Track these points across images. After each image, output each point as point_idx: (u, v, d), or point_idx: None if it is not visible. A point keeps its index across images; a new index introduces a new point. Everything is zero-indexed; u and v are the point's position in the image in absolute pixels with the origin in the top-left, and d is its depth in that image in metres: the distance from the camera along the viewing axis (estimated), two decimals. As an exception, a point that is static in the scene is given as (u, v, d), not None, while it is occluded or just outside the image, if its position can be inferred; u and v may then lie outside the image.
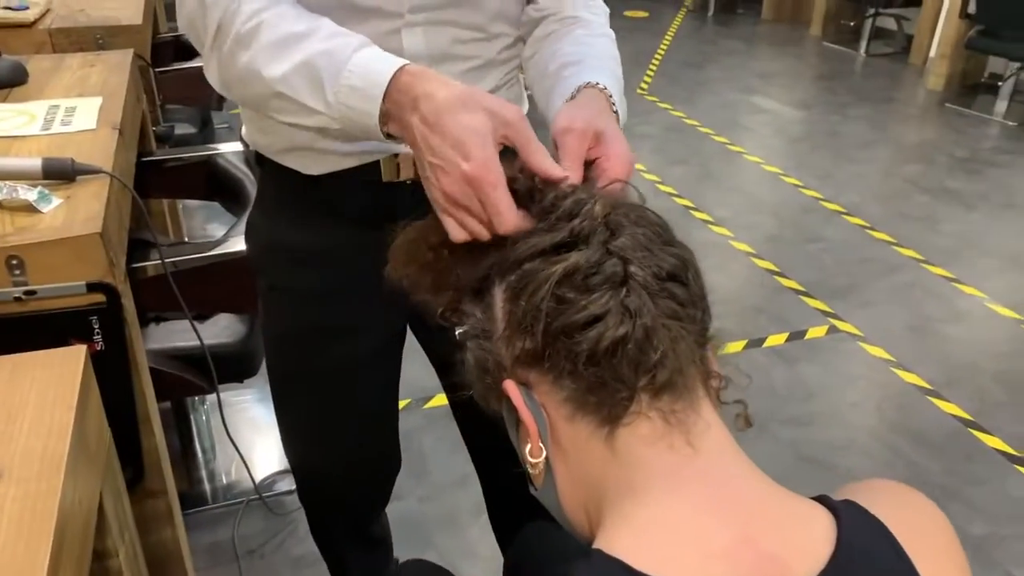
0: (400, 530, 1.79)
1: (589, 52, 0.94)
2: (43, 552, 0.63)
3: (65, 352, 0.89)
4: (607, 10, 1.05)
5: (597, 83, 0.84)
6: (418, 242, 0.68)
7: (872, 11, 5.72)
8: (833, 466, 2.12)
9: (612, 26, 1.04)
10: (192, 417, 2.04)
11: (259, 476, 1.94)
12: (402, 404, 2.28)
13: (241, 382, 1.76)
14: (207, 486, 1.97)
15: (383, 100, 0.71)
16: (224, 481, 1.99)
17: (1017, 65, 4.61)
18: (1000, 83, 4.72)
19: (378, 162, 0.98)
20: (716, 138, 4.34)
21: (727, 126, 4.51)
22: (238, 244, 1.54)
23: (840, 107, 4.83)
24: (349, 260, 1.02)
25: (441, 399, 2.31)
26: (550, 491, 0.59)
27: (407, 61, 0.73)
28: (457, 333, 0.66)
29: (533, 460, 0.57)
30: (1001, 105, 4.66)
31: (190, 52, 2.67)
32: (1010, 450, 2.21)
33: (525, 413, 0.57)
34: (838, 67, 5.70)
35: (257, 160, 1.08)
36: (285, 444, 1.31)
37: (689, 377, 0.54)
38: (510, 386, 0.58)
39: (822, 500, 0.54)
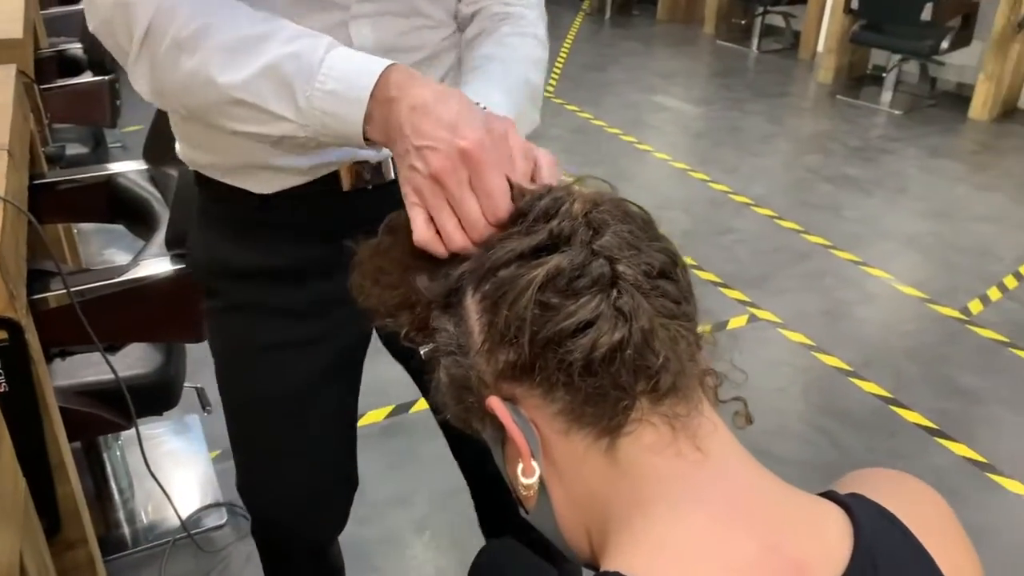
0: (343, 556, 1.71)
1: (498, 55, 0.90)
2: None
3: (-32, 398, 0.80)
4: (540, 3, 1.00)
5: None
6: (381, 256, 0.63)
7: (761, 9, 5.92)
8: (768, 452, 2.15)
9: None
10: (106, 456, 1.90)
11: (184, 513, 1.82)
12: (331, 424, 2.19)
13: (161, 415, 1.65)
14: (127, 528, 1.84)
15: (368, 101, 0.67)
16: (145, 521, 1.86)
17: (899, 57, 4.85)
18: (884, 74, 4.95)
19: (335, 173, 0.93)
20: (624, 137, 4.40)
21: (633, 125, 4.57)
22: (149, 268, 1.44)
23: (738, 103, 4.97)
24: (306, 274, 0.99)
25: (371, 417, 2.24)
26: (545, 513, 0.54)
27: (389, 61, 0.69)
28: (423, 352, 0.61)
29: (526, 481, 0.53)
30: (886, 95, 4.89)
31: (77, 67, 2.51)
32: (929, 423, 2.30)
33: (514, 431, 0.52)
34: (732, 64, 5.87)
35: (197, 180, 1.00)
36: (243, 472, 1.22)
37: (690, 378, 0.51)
38: (495, 403, 0.53)
39: (830, 496, 0.52)
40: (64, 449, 1.23)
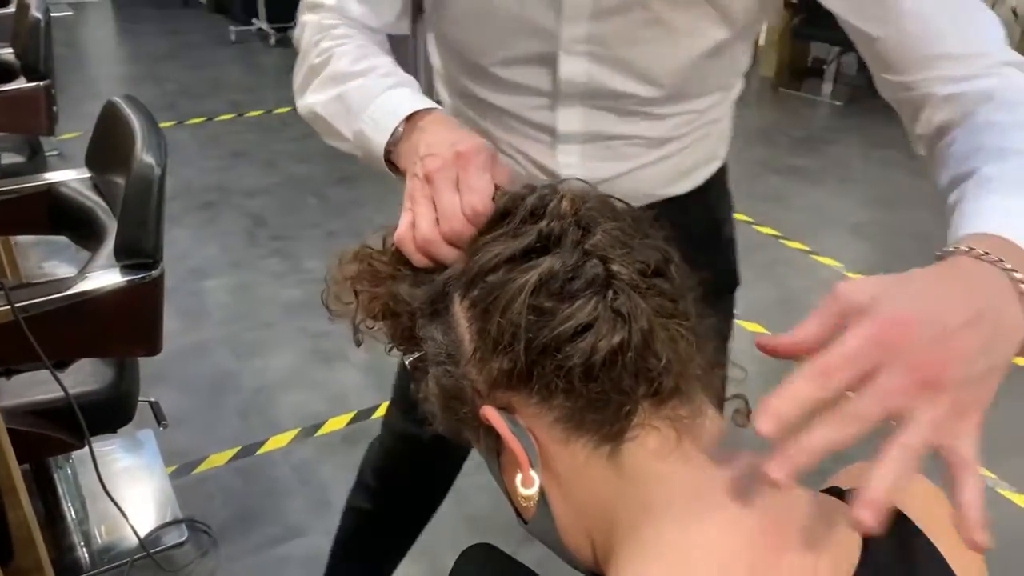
0: (311, 568, 1.67)
1: (996, 153, 0.61)
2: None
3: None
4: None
5: (979, 242, 0.51)
6: (362, 262, 0.60)
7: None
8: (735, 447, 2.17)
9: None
10: (57, 476, 1.83)
11: (142, 531, 1.75)
12: (290, 435, 2.15)
13: (115, 432, 1.58)
14: (82, 551, 1.77)
15: (396, 133, 0.75)
16: (101, 543, 1.79)
17: (838, 49, 4.96)
18: (824, 66, 5.06)
19: None
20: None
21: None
22: (98, 280, 1.38)
23: (685, 97, 5.03)
24: None
25: (332, 425, 2.19)
26: (546, 523, 0.52)
27: (436, 105, 0.76)
28: (407, 361, 0.58)
29: (525, 492, 0.50)
30: (827, 87, 5.00)
31: (9, 73, 2.40)
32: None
33: (512, 441, 0.50)
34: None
35: None
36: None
37: (691, 379, 0.50)
38: (490, 413, 0.50)
39: (833, 492, 0.51)
40: (15, 474, 1.17)
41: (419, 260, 0.59)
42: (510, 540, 0.81)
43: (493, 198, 0.59)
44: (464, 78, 0.94)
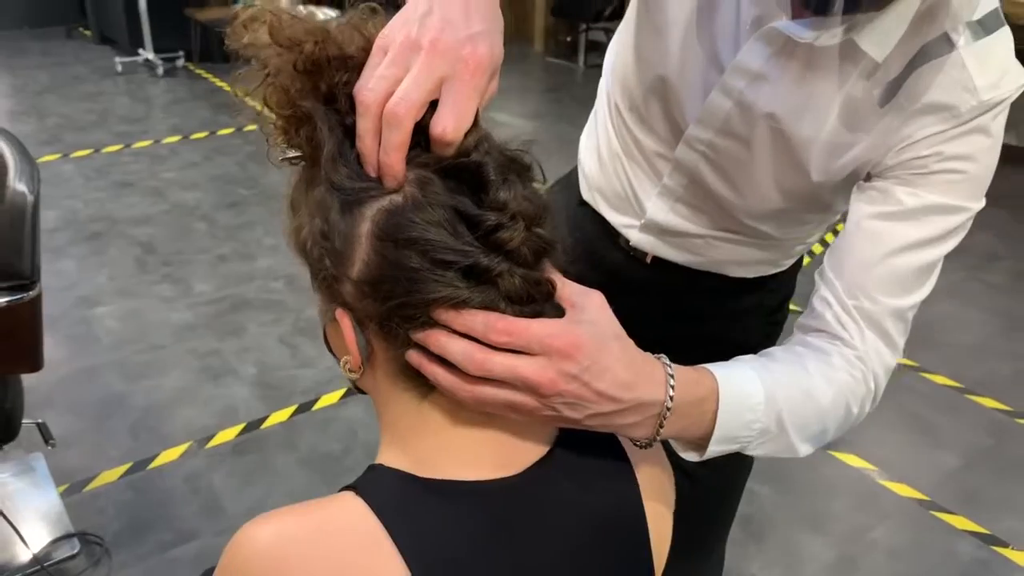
0: (201, 568, 1.77)
1: (782, 368, 0.79)
2: None
3: None
4: (889, 363, 0.84)
5: (689, 372, 0.69)
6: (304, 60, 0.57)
7: (584, 26, 6.32)
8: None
9: None
10: (-58, 502, 1.87)
11: (35, 547, 1.82)
12: (181, 448, 2.24)
13: (0, 448, 1.66)
14: (-28, 571, 1.82)
15: None
16: (-8, 562, 1.85)
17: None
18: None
19: None
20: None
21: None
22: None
23: (568, 117, 5.29)
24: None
25: (222, 437, 2.29)
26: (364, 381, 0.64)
27: None
28: (283, 160, 0.62)
29: (349, 375, 0.62)
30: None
31: None
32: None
33: (352, 346, 0.59)
34: (562, 79, 6.22)
35: None
36: None
37: None
38: (343, 320, 0.59)
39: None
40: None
41: (369, 145, 0.56)
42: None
43: (466, 134, 0.58)
44: (629, 79, 1.01)
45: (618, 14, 6.12)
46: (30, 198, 1.48)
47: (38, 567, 1.78)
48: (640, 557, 0.67)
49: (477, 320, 0.56)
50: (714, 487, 1.17)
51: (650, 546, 0.68)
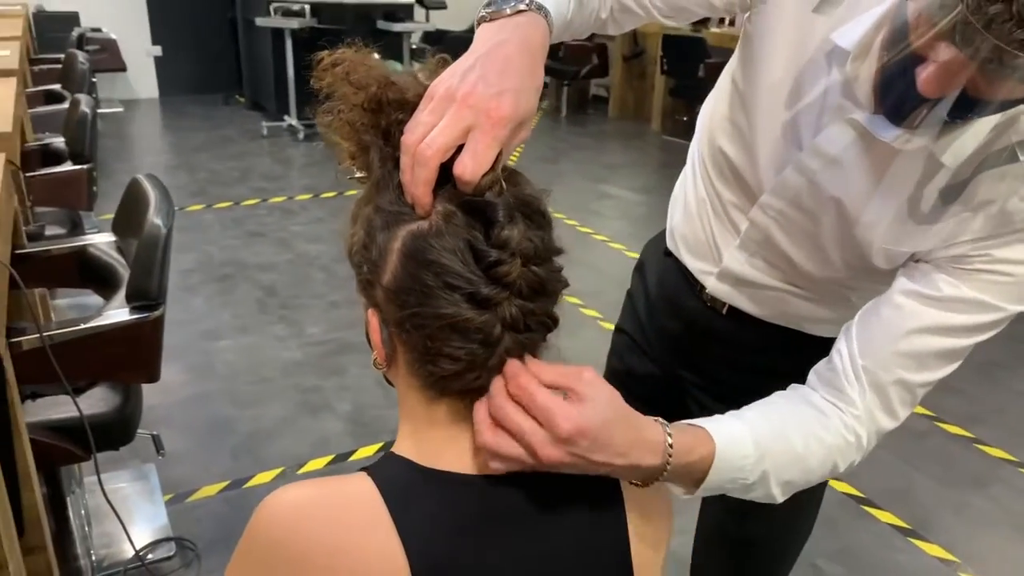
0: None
1: (773, 429, 0.84)
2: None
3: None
4: (883, 428, 0.89)
5: (686, 431, 0.78)
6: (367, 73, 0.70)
7: (699, 107, 6.42)
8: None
9: None
10: (68, 500, 2.11)
11: (138, 545, 2.02)
12: (274, 472, 2.42)
13: (117, 449, 1.87)
14: (84, 561, 2.03)
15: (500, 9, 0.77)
16: (101, 554, 2.06)
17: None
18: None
19: None
20: (567, 221, 4.76)
21: (577, 211, 4.94)
22: (111, 317, 1.70)
23: (677, 190, 5.37)
24: None
25: (314, 464, 2.46)
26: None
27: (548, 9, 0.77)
28: (351, 178, 0.75)
29: (379, 367, 0.71)
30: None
31: (59, 158, 2.82)
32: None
33: (378, 346, 0.69)
34: (675, 156, 6.33)
35: None
36: None
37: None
38: (373, 320, 0.69)
39: None
40: (30, 463, 1.46)
41: (412, 177, 0.65)
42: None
43: (482, 176, 0.65)
44: (715, 139, 1.07)
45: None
46: (163, 231, 1.72)
47: (139, 564, 1.97)
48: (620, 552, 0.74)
49: (515, 364, 0.66)
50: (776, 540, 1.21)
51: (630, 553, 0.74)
